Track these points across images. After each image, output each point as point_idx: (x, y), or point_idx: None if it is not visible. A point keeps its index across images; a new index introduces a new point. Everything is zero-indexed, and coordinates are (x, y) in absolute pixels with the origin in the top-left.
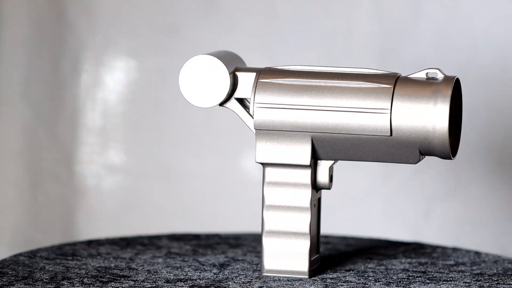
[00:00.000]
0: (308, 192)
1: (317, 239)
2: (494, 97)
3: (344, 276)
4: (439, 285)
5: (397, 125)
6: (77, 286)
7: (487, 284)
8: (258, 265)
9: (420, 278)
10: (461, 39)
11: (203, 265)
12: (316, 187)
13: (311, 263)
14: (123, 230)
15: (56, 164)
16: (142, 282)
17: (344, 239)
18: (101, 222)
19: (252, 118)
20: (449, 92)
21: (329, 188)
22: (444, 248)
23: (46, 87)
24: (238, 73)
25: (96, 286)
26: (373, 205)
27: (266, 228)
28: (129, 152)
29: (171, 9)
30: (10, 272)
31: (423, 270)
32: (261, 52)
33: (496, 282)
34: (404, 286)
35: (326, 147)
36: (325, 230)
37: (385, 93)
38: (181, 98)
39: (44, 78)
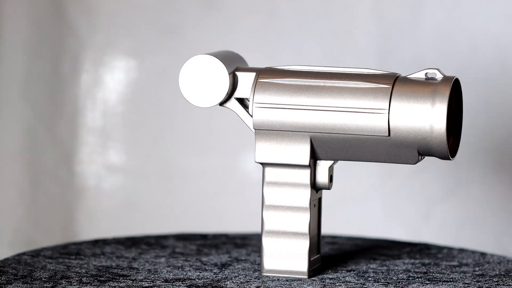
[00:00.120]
0: (307, 192)
1: (317, 239)
2: (494, 97)
3: (344, 277)
4: (438, 285)
5: (395, 125)
6: (75, 285)
7: (487, 285)
8: (259, 265)
9: (420, 279)
10: (461, 39)
11: (204, 264)
12: (315, 187)
13: (310, 263)
14: (123, 230)
15: (56, 164)
16: (141, 281)
17: (350, 239)
18: (101, 222)
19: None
20: (447, 92)
21: (329, 188)
22: (450, 249)
23: (46, 87)
24: (238, 73)
25: (94, 285)
26: (373, 205)
27: (266, 228)
28: (129, 152)
29: (171, 9)
30: (11, 271)
31: (425, 270)
32: (261, 52)
33: (496, 283)
34: (403, 287)
35: (325, 147)
36: (328, 230)
37: (383, 93)
38: (181, 98)
39: (44, 78)
